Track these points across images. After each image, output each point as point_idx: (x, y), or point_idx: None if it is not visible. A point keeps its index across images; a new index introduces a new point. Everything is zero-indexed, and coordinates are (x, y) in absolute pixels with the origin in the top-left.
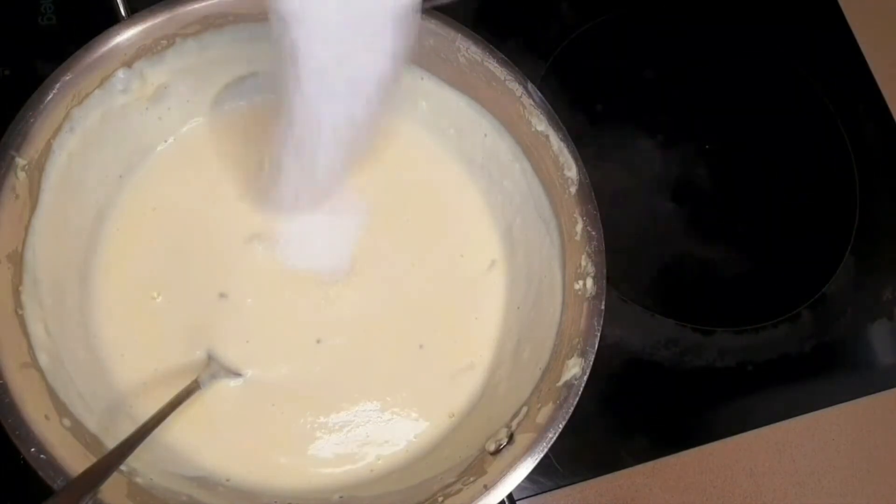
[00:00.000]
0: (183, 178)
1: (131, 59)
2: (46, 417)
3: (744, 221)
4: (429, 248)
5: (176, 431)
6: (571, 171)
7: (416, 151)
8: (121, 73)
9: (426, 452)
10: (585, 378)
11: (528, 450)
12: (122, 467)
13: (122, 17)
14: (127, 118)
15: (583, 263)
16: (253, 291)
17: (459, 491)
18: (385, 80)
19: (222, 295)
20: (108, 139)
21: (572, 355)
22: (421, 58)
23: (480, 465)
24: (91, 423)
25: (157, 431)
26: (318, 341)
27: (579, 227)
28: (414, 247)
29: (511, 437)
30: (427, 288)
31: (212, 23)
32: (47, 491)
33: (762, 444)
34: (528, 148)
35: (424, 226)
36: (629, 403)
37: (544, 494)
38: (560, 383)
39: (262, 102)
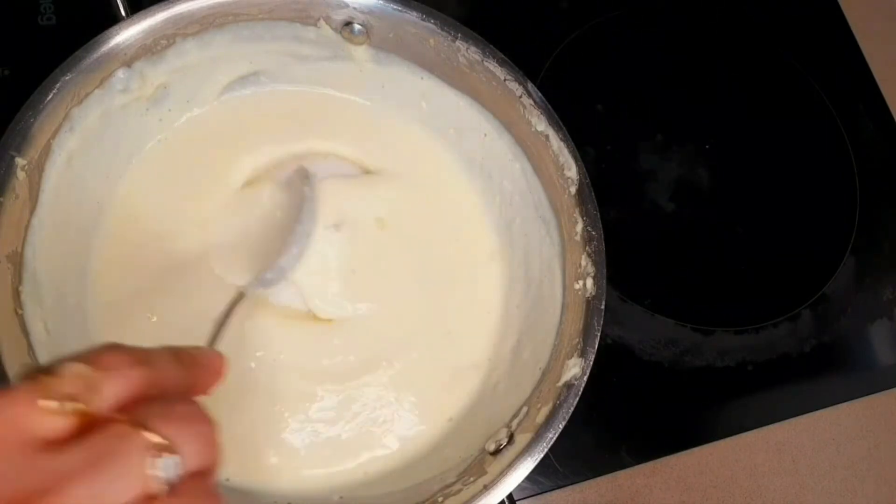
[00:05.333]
0: (175, 180)
1: (131, 59)
2: None
3: (744, 221)
4: (429, 250)
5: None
6: (571, 171)
7: (415, 152)
8: (121, 73)
9: (425, 454)
10: (585, 378)
11: (528, 450)
12: None
13: (122, 17)
14: (127, 118)
15: (583, 263)
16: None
17: (459, 491)
18: None
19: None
20: (108, 139)
21: (572, 355)
22: (421, 58)
23: (480, 465)
24: None
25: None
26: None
27: (579, 227)
28: (414, 250)
29: (511, 437)
30: (427, 292)
31: (212, 22)
32: None
33: (762, 444)
34: (528, 148)
35: (424, 228)
36: (629, 403)
37: (544, 494)
38: (560, 383)
39: (263, 100)
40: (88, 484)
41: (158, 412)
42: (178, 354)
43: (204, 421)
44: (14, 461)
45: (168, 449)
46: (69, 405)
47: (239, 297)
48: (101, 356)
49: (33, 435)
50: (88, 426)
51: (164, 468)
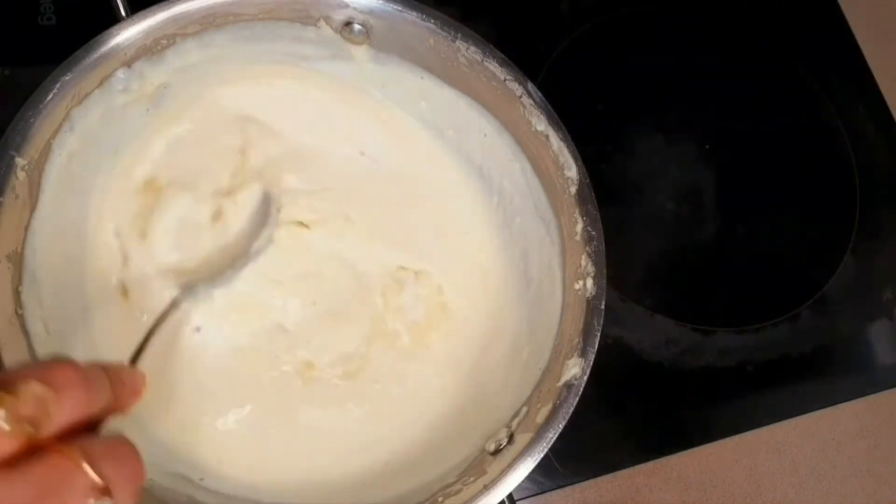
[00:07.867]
0: (175, 182)
1: (131, 59)
2: None
3: (744, 221)
4: (428, 249)
5: (172, 430)
6: (571, 171)
7: (414, 151)
8: (121, 73)
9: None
10: (585, 378)
11: (528, 450)
12: None
13: (122, 17)
14: (127, 118)
15: (583, 263)
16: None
17: (459, 491)
18: None
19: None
20: (108, 139)
21: (572, 355)
22: (421, 58)
23: (480, 465)
24: None
25: (154, 431)
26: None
27: (579, 227)
28: (414, 250)
29: (511, 437)
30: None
31: (212, 22)
32: None
33: (762, 444)
34: (528, 148)
35: (423, 227)
36: (629, 403)
37: (544, 494)
38: (560, 383)
39: (263, 102)
40: None
41: (100, 450)
42: (108, 372)
43: (137, 461)
44: None
45: (107, 492)
46: (25, 428)
47: (171, 306)
48: (53, 373)
49: None
50: (31, 449)
51: None
